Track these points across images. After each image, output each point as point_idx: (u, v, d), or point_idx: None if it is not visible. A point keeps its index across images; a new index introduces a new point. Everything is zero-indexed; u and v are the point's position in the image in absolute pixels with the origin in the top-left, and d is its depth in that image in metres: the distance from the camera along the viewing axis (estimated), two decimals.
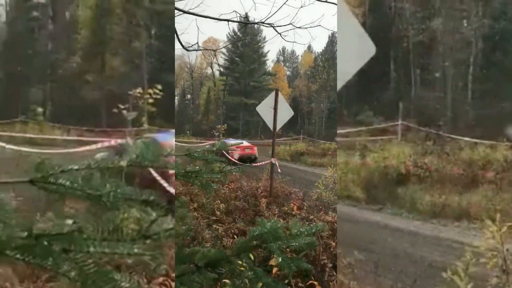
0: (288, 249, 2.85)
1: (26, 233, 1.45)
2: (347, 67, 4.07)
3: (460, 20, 19.64)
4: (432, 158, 10.88)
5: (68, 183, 1.57)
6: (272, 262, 4.96)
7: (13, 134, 13.19)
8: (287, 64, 79.61)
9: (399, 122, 15.31)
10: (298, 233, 2.62)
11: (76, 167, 1.61)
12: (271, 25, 7.80)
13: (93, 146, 11.13)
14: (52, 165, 1.64)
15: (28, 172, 1.57)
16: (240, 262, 2.75)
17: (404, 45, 20.68)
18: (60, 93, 21.81)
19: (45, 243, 1.46)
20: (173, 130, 12.90)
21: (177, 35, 7.66)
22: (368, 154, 11.19)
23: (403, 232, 7.81)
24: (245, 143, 28.97)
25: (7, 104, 20.68)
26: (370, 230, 7.79)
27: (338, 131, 14.17)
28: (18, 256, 1.39)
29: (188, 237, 5.84)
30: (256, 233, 2.79)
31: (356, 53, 4.12)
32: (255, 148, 28.35)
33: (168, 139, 14.73)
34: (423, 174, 10.03)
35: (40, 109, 20.63)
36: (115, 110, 15.92)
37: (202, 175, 3.71)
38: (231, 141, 29.51)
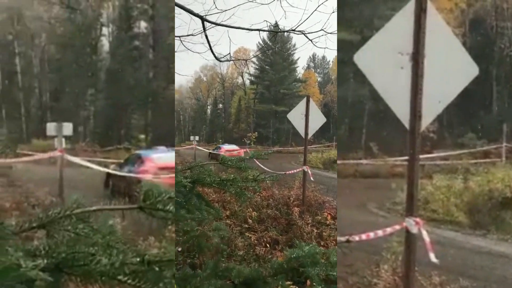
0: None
1: (138, 259, 1.54)
2: (449, 88, 3.99)
3: None
4: None
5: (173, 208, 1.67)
6: None
7: (116, 160, 13.64)
8: (318, 70, 78.83)
9: (504, 144, 14.62)
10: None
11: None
12: (302, 32, 7.85)
13: None
14: (160, 191, 1.76)
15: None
16: (277, 286, 2.66)
17: (507, 64, 19.83)
18: (160, 120, 22.34)
19: (157, 269, 1.55)
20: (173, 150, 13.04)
21: (210, 46, 7.83)
22: (471, 178, 10.66)
23: (509, 258, 7.31)
24: (235, 147, 36.08)
25: (111, 131, 21.29)
26: (474, 256, 7.34)
27: (437, 154, 13.81)
28: (130, 281, 1.46)
29: (225, 252, 5.73)
30: (294, 255, 2.78)
31: (458, 73, 4.00)
32: (242, 151, 32.45)
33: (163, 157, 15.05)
34: None
35: (142, 136, 21.29)
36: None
37: (237, 183, 3.70)
38: (226, 146, 36.18)
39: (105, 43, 23.51)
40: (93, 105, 22.58)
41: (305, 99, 10.79)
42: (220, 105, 74.47)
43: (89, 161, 9.69)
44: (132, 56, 22.65)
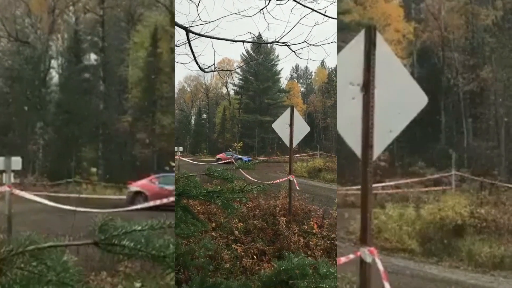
0: None
1: None
2: (399, 118, 3.97)
3: (511, 68, 19.11)
4: (489, 209, 10.56)
5: (132, 244, 1.61)
6: None
7: (66, 195, 13.37)
8: (301, 80, 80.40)
9: (453, 172, 14.96)
10: (328, 273, 2.62)
11: (139, 227, 1.64)
12: (285, 43, 8.01)
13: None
14: (115, 226, 1.69)
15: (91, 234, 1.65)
16: None
17: (454, 94, 20.48)
18: (111, 153, 22.24)
19: None
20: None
21: (194, 57, 7.85)
22: (422, 206, 10.98)
23: (462, 285, 7.46)
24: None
25: (61, 165, 21.18)
26: (428, 284, 7.48)
27: (389, 183, 13.91)
28: None
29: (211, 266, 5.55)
30: (283, 267, 2.75)
31: (408, 103, 3.99)
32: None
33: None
34: (481, 225, 9.69)
35: (94, 169, 21.21)
36: (166, 168, 17.30)
37: (224, 195, 3.70)
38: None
39: (54, 76, 23.31)
40: (41, 138, 22.33)
41: (289, 109, 10.95)
42: (205, 115, 74.07)
43: (38, 195, 9.56)
44: (82, 88, 22.49)
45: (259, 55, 38.37)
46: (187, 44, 7.55)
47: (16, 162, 6.98)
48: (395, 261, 8.64)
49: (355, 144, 3.93)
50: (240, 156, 46.39)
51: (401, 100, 3.98)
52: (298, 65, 78.21)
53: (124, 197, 14.96)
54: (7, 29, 21.22)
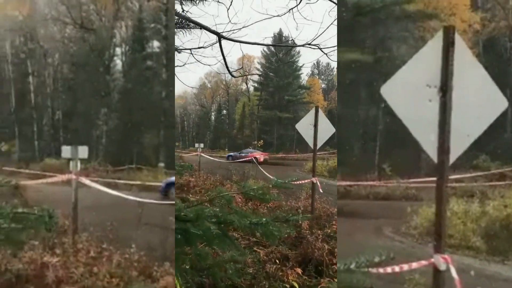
0: None
1: None
2: (478, 121, 4.04)
3: None
4: None
5: None
6: None
7: (128, 181, 13.78)
8: (322, 77, 79.07)
9: None
10: None
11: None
12: (317, 46, 7.91)
13: None
14: None
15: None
16: None
17: None
18: (171, 140, 22.54)
19: None
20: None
21: (226, 63, 7.93)
22: (487, 202, 10.35)
23: None
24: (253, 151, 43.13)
25: (123, 151, 21.56)
26: (492, 283, 7.25)
27: (452, 177, 13.14)
28: None
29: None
30: None
31: (487, 106, 4.05)
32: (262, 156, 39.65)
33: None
34: None
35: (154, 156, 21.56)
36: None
37: (268, 227, 3.60)
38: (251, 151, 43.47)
39: (118, 63, 23.65)
40: (105, 124, 22.75)
41: (313, 109, 10.69)
42: (224, 112, 74.66)
43: (102, 182, 9.87)
44: (145, 76, 22.87)
45: (279, 51, 38.31)
46: (212, 46, 7.72)
47: (83, 150, 7.22)
48: (458, 259, 8.35)
49: (430, 149, 3.91)
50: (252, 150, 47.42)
51: (480, 103, 4.01)
52: (320, 61, 76.82)
53: None
54: (72, 16, 21.82)
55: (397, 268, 4.26)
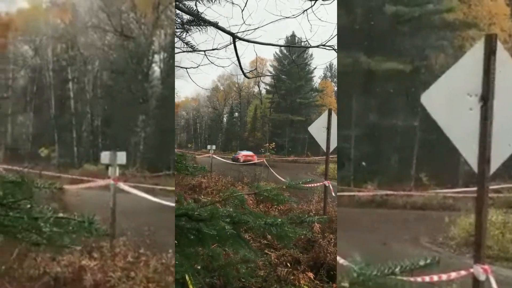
0: None
1: None
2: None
3: None
4: None
5: None
6: None
7: (165, 187, 14.02)
8: (335, 79, 77.24)
9: None
10: None
11: None
12: (332, 47, 7.82)
13: None
14: None
15: None
16: None
17: None
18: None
19: None
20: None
21: (240, 64, 7.90)
22: None
23: None
24: (247, 152, 45.46)
25: (160, 157, 21.86)
26: None
27: (491, 187, 12.64)
28: None
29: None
30: None
31: None
32: (255, 156, 41.33)
33: None
34: None
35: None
36: None
37: (283, 227, 3.55)
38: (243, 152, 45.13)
39: (156, 70, 24.01)
40: (143, 131, 23.05)
41: (326, 112, 10.63)
42: (236, 114, 75.14)
43: (139, 187, 9.83)
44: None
45: (292, 53, 37.85)
46: (227, 47, 7.66)
47: (121, 156, 7.36)
48: (497, 270, 7.88)
49: (471, 158, 3.85)
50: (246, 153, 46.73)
51: None
52: (332, 64, 75.01)
53: None
54: (112, 24, 22.25)
55: (435, 278, 4.23)
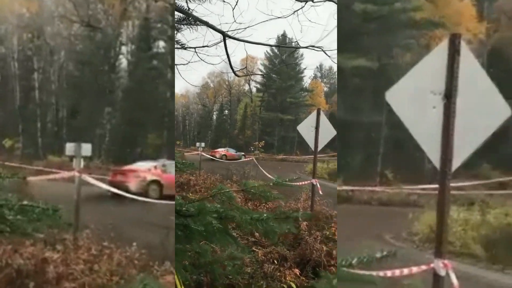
0: None
1: None
2: (480, 129, 3.99)
3: None
4: None
5: None
6: None
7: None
8: (325, 80, 79.15)
9: None
10: None
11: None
12: (321, 48, 7.85)
13: None
14: None
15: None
16: None
17: None
18: (172, 139, 22.52)
19: None
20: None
21: (230, 62, 7.95)
22: (488, 210, 10.41)
23: None
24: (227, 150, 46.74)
25: (126, 150, 21.43)
26: None
27: (453, 184, 12.63)
28: None
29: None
30: None
31: (490, 114, 3.99)
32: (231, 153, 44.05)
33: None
34: None
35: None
36: None
37: (269, 222, 3.56)
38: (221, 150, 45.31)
39: (123, 62, 23.67)
40: (109, 123, 22.74)
41: (315, 112, 10.62)
42: (226, 112, 74.83)
43: (104, 180, 10.06)
44: (150, 76, 22.83)
45: (283, 53, 37.92)
46: (217, 45, 7.65)
47: (86, 148, 7.21)
48: (458, 266, 7.76)
49: (433, 155, 3.91)
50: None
51: (484, 111, 3.98)
52: (322, 64, 77.20)
53: None
54: (79, 14, 21.93)
55: (397, 272, 4.22)
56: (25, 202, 1.97)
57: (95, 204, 9.06)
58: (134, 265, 5.81)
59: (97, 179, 8.83)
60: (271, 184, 4.38)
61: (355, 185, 14.83)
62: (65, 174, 8.34)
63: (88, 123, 22.68)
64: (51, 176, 10.13)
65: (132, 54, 24.16)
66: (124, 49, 23.87)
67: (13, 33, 23.76)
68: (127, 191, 9.94)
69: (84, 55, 23.10)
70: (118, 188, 9.39)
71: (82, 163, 7.24)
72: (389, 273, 4.19)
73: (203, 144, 30.33)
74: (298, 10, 7.82)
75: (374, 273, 3.98)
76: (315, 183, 10.22)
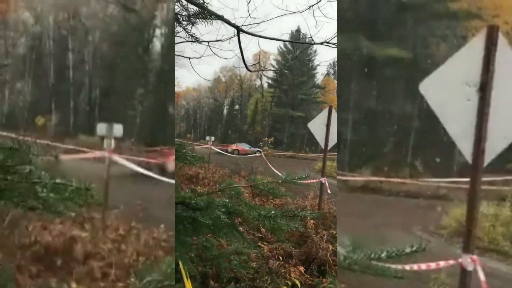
0: None
1: None
2: None
3: None
4: None
5: None
6: None
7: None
8: None
9: None
10: None
11: None
12: (336, 45, 7.72)
13: None
14: None
15: None
16: None
17: None
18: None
19: None
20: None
21: (243, 57, 7.83)
22: None
23: None
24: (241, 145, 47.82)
25: (157, 133, 21.58)
26: None
27: (484, 179, 12.11)
28: None
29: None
30: None
31: None
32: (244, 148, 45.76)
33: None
34: None
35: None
36: None
37: (276, 220, 3.54)
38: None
39: (156, 45, 23.73)
40: (141, 105, 22.86)
41: (327, 109, 10.54)
42: (237, 106, 74.75)
43: (135, 161, 9.82)
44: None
45: (296, 49, 37.39)
46: (231, 39, 7.73)
47: (118, 129, 7.31)
48: (486, 262, 8.05)
49: (466, 149, 3.83)
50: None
51: None
52: (335, 61, 74.99)
53: None
54: None
55: (423, 266, 4.12)
56: (58, 180, 1.99)
57: (125, 184, 8.99)
58: (161, 247, 5.87)
59: (128, 159, 8.94)
60: (280, 181, 4.37)
61: (384, 175, 14.66)
62: (96, 153, 8.46)
63: (120, 104, 22.77)
64: (82, 155, 10.22)
65: (166, 38, 24.12)
66: (158, 31, 23.83)
67: (49, 12, 23.98)
68: (164, 170, 10.05)
69: (119, 36, 23.14)
70: (156, 168, 9.46)
71: (113, 143, 7.31)
72: (415, 267, 4.11)
73: (213, 138, 30.50)
74: (314, 5, 7.71)
75: (400, 266, 4.05)
76: (324, 182, 10.21)
